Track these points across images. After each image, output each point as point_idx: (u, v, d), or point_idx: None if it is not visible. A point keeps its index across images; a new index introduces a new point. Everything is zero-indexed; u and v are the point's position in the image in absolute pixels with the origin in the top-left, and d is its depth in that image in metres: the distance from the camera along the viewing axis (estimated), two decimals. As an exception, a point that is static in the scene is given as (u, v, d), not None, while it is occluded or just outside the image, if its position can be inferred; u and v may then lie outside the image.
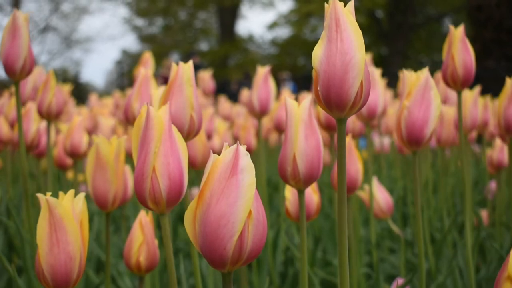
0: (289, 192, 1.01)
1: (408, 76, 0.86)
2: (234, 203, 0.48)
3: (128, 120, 1.26)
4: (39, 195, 0.66)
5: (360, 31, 0.56)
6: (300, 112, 0.77)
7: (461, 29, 1.08)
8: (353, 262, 1.19)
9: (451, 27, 1.08)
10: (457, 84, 1.09)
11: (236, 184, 0.48)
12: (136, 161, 0.65)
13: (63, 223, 0.65)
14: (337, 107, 0.57)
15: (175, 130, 0.64)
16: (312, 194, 1.02)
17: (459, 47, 1.07)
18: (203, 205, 0.49)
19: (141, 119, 0.67)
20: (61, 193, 0.68)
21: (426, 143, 0.84)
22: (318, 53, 0.57)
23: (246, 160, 0.48)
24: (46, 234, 0.65)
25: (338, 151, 0.59)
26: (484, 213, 1.94)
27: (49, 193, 0.66)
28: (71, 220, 0.66)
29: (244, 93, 3.40)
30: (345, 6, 0.57)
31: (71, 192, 0.68)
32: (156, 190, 0.63)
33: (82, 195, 0.69)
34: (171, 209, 0.65)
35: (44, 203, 0.65)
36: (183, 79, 0.84)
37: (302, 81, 10.34)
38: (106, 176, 0.90)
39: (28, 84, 1.86)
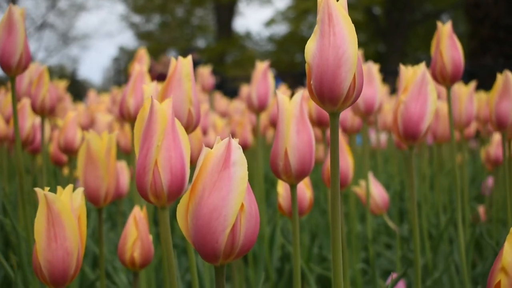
0: (282, 188, 1.01)
1: (404, 71, 0.86)
2: (226, 196, 0.48)
3: (123, 116, 1.26)
4: (37, 189, 0.65)
5: (352, 25, 0.57)
6: (291, 107, 0.77)
7: (448, 25, 1.08)
8: (347, 258, 1.19)
9: (439, 24, 1.09)
10: (446, 80, 1.09)
11: (228, 177, 0.48)
12: (138, 154, 0.65)
13: (61, 218, 0.65)
14: (330, 101, 0.57)
15: (178, 124, 0.64)
16: (305, 189, 1.01)
17: (447, 44, 1.08)
18: (195, 198, 0.49)
19: (144, 112, 0.66)
20: (59, 188, 0.68)
21: (422, 138, 0.84)
22: (311, 47, 0.57)
23: (238, 154, 0.48)
24: (43, 229, 0.65)
25: (331, 145, 0.59)
26: (481, 209, 1.93)
27: (47, 189, 0.65)
28: (69, 215, 0.65)
29: (243, 89, 3.40)
30: (337, 0, 0.57)
31: (70, 187, 0.67)
32: (157, 184, 0.63)
33: (80, 190, 0.69)
34: (172, 203, 0.64)
35: (42, 198, 0.65)
36: (182, 74, 0.84)
37: (300, 77, 10.36)
38: (98, 172, 0.90)
39: (24, 80, 1.86)
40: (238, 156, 0.48)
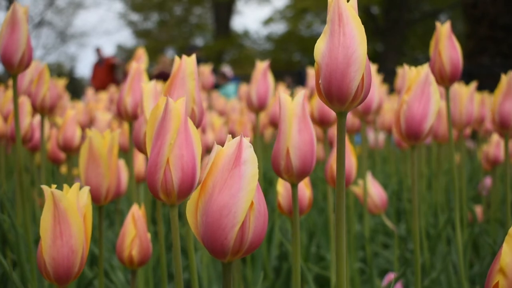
0: (281, 187, 1.01)
1: (408, 71, 0.86)
2: (237, 194, 0.48)
3: (120, 114, 1.25)
4: (44, 187, 0.65)
5: (362, 26, 0.57)
6: (293, 106, 0.77)
7: (447, 25, 1.09)
8: (346, 257, 1.20)
9: (438, 24, 1.09)
10: (444, 80, 1.10)
11: (239, 175, 0.48)
12: (149, 151, 0.65)
13: (67, 216, 0.65)
14: (338, 100, 0.57)
15: (190, 123, 0.64)
16: (305, 188, 1.02)
17: (446, 44, 1.08)
18: (205, 195, 0.49)
19: (158, 111, 0.67)
20: (65, 186, 0.68)
21: (425, 138, 0.84)
22: (320, 47, 0.58)
23: (249, 152, 0.49)
24: (49, 226, 0.65)
25: (337, 145, 0.59)
26: (478, 209, 1.94)
27: (54, 186, 0.66)
28: (75, 213, 0.66)
29: (243, 88, 3.40)
30: (348, 1, 0.57)
31: (76, 185, 0.67)
32: (168, 182, 0.63)
33: (86, 189, 0.69)
34: (181, 201, 0.65)
35: (49, 196, 0.65)
36: (185, 73, 0.84)
37: (297, 76, 10.37)
38: (99, 169, 0.89)
39: (25, 78, 1.85)
40: (249, 155, 0.49)
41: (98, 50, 7.98)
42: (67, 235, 0.65)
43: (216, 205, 0.48)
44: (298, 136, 0.76)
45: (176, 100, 0.65)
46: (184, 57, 0.85)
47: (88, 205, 0.68)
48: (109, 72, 7.74)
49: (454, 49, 1.09)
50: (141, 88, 1.22)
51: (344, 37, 0.56)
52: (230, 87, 6.25)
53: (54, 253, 0.65)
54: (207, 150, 1.92)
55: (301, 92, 0.78)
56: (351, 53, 0.56)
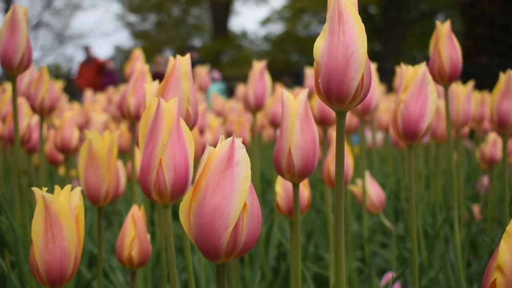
0: (280, 187, 1.01)
1: (405, 71, 0.86)
2: (229, 195, 0.48)
3: (123, 115, 1.26)
4: (35, 189, 0.65)
5: (362, 24, 0.56)
6: (296, 105, 0.77)
7: (447, 24, 1.09)
8: (345, 257, 1.20)
9: (438, 23, 1.09)
10: (444, 79, 1.10)
11: (232, 176, 0.48)
12: (142, 152, 0.65)
13: (58, 219, 0.65)
14: (337, 99, 0.57)
15: (183, 123, 0.64)
16: (303, 188, 1.02)
17: (445, 43, 1.08)
18: (198, 196, 0.49)
19: (150, 111, 0.67)
20: (57, 188, 0.67)
21: (422, 137, 0.84)
22: (320, 45, 0.57)
23: (241, 153, 0.49)
24: (41, 229, 0.65)
25: (336, 145, 0.59)
26: (476, 208, 1.94)
27: (45, 189, 0.65)
28: (67, 215, 0.65)
29: (240, 88, 3.40)
30: None
31: (68, 187, 0.67)
32: (161, 182, 0.63)
33: (78, 190, 0.69)
34: (175, 202, 0.65)
35: (39, 199, 0.65)
36: (180, 73, 0.84)
37: (295, 76, 10.37)
38: (99, 171, 0.90)
39: (24, 80, 1.85)
40: (242, 156, 0.49)
41: (87, 49, 7.97)
42: (59, 238, 0.65)
43: (209, 207, 0.48)
44: (300, 135, 0.76)
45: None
46: (179, 57, 0.85)
47: (80, 206, 0.68)
48: (96, 72, 7.73)
49: (454, 48, 1.09)
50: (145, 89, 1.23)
51: (344, 36, 0.56)
52: (212, 87, 6.28)
53: (46, 257, 0.65)
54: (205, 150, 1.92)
55: (304, 91, 0.78)
56: (351, 52, 0.56)
